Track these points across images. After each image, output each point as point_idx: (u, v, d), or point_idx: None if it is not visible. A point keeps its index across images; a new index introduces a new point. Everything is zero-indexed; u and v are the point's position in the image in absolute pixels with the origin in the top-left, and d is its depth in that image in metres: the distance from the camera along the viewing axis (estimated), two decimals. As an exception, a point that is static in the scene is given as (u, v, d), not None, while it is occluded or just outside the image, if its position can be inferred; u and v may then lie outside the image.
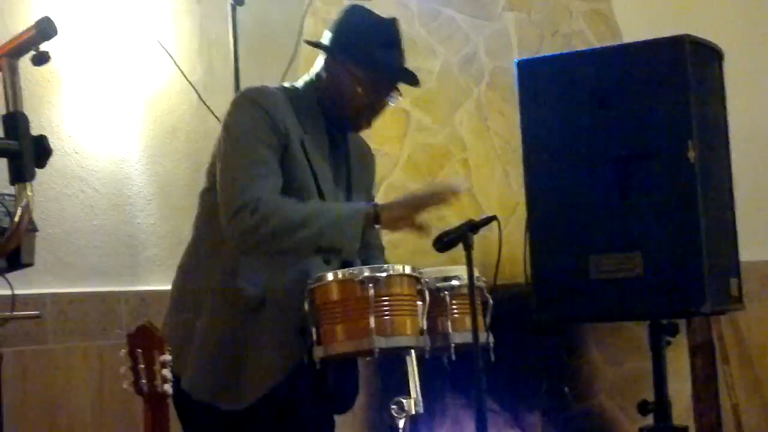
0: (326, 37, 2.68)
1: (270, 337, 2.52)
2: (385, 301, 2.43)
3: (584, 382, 4.28)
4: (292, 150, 2.55)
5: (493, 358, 2.62)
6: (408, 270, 2.49)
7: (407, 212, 2.54)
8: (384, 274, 2.43)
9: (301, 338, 2.50)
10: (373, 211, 2.52)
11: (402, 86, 2.70)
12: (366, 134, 4.07)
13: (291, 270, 2.55)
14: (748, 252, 3.70)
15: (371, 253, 2.77)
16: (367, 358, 2.47)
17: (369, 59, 2.60)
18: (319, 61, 2.69)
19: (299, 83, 2.71)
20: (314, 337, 2.46)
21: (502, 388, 3.94)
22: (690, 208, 3.30)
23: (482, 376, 2.49)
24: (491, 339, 2.66)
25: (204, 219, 2.65)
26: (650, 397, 3.40)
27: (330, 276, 2.46)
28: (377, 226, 2.55)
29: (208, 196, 2.63)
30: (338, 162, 2.70)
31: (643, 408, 3.39)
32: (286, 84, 2.73)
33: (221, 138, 2.60)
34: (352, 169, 2.74)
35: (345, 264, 2.59)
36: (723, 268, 3.42)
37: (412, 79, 2.69)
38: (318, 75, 2.67)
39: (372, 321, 2.39)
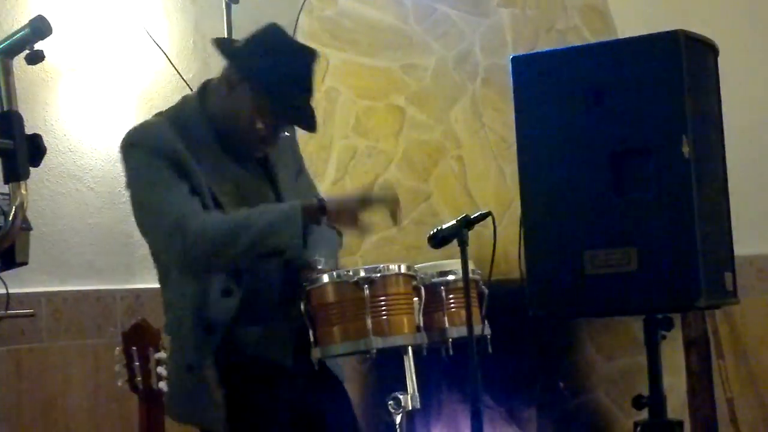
0: (239, 48, 2.53)
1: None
2: (381, 301, 2.44)
3: (579, 377, 4.29)
4: (191, 177, 2.45)
5: (490, 349, 2.63)
6: (403, 269, 2.50)
7: (353, 207, 2.47)
8: (379, 275, 2.43)
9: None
10: (316, 204, 2.44)
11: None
12: (362, 131, 4.10)
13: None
14: (743, 246, 3.71)
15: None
16: (366, 356, 2.46)
17: (274, 93, 2.45)
18: (224, 67, 2.54)
19: (187, 102, 2.58)
20: (311, 338, 2.47)
21: (498, 384, 3.95)
22: (684, 202, 3.30)
23: (477, 371, 2.50)
24: (488, 330, 2.67)
25: (155, 258, 2.60)
26: (645, 391, 3.41)
27: (325, 278, 2.46)
28: (323, 218, 2.45)
29: (154, 257, 2.59)
30: (250, 169, 2.59)
31: (638, 402, 3.40)
32: (171, 107, 2.59)
33: (127, 188, 2.52)
34: (276, 171, 2.64)
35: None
36: (718, 263, 3.43)
37: (310, 126, 2.55)
38: (219, 86, 2.53)
39: (369, 322, 2.40)
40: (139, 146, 2.47)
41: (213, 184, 2.49)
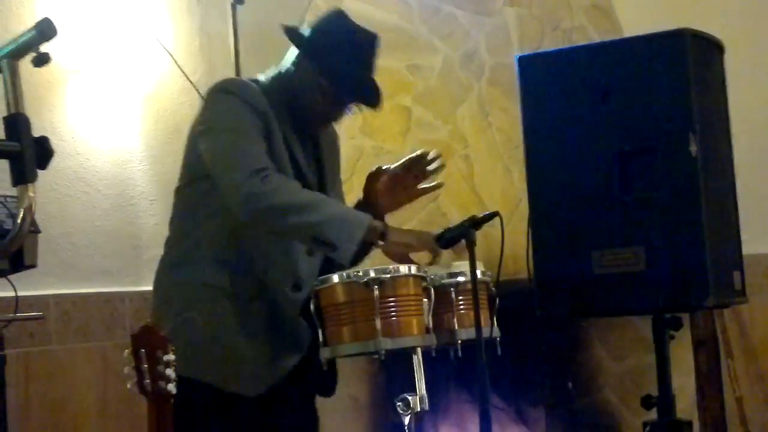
0: (304, 34, 2.65)
1: (267, 330, 2.54)
2: (391, 302, 2.44)
3: (588, 377, 4.29)
4: (273, 141, 2.54)
5: (499, 351, 2.63)
6: (413, 270, 2.50)
7: (413, 245, 2.54)
8: (389, 276, 2.43)
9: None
10: (381, 228, 2.51)
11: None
12: (369, 131, 4.09)
13: (280, 262, 2.55)
14: (751, 245, 3.70)
15: None
16: (375, 357, 2.46)
17: (336, 72, 2.58)
18: (291, 54, 2.67)
19: (265, 78, 2.67)
20: (320, 338, 2.47)
21: (506, 384, 3.95)
22: (692, 201, 3.29)
23: (486, 372, 2.49)
24: (497, 333, 2.67)
25: (185, 215, 2.64)
26: (654, 391, 3.40)
27: (335, 278, 2.46)
28: (381, 243, 2.53)
29: (186, 191, 2.64)
30: (307, 154, 2.68)
31: (647, 402, 3.39)
32: (251, 77, 2.70)
33: (202, 128, 2.56)
34: (325, 161, 2.74)
35: (328, 262, 2.59)
36: (726, 262, 3.42)
37: (373, 102, 2.65)
38: (287, 69, 2.65)
39: (378, 323, 2.40)
40: (235, 95, 2.55)
41: (296, 152, 2.59)
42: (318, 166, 2.72)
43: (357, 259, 2.57)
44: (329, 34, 2.62)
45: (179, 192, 2.68)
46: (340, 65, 2.58)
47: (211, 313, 2.54)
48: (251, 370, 2.53)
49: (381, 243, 2.53)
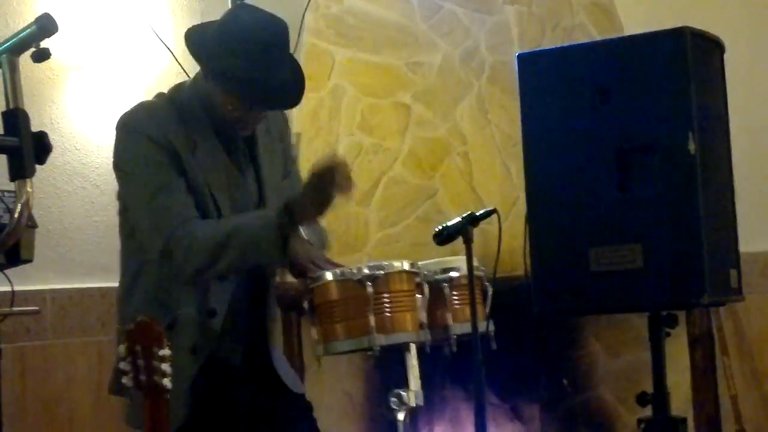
0: (203, 39, 2.52)
1: (176, 366, 2.41)
2: (385, 298, 2.45)
3: (583, 373, 4.29)
4: (183, 167, 2.46)
5: (494, 346, 2.64)
6: (406, 266, 2.51)
7: (319, 206, 2.43)
8: (382, 272, 2.44)
9: (191, 357, 2.46)
10: (286, 218, 2.40)
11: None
12: (367, 128, 4.10)
13: (192, 291, 2.49)
14: (748, 243, 3.70)
15: None
16: (368, 353, 2.48)
17: (232, 81, 2.42)
18: None
19: (185, 86, 2.59)
20: (314, 335, 2.48)
21: (502, 381, 3.96)
22: (690, 200, 3.30)
23: (481, 368, 2.50)
24: (492, 327, 2.68)
25: (123, 240, 2.60)
26: (649, 388, 3.40)
27: (329, 275, 2.47)
28: (301, 224, 2.44)
29: (123, 218, 2.59)
30: (241, 156, 2.58)
31: (642, 399, 3.39)
32: (171, 89, 2.60)
33: (116, 171, 2.53)
34: (261, 162, 2.61)
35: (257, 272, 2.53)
36: (723, 260, 3.42)
37: (283, 105, 2.55)
38: (198, 78, 2.55)
39: (372, 319, 2.41)
40: (139, 132, 2.47)
41: (209, 176, 2.49)
42: (254, 162, 2.61)
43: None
44: (221, 40, 2.45)
45: (120, 215, 2.61)
46: (235, 72, 2.41)
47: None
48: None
49: (302, 224, 2.44)
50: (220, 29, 2.50)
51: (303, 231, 2.50)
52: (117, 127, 2.53)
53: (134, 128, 2.49)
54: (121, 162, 2.52)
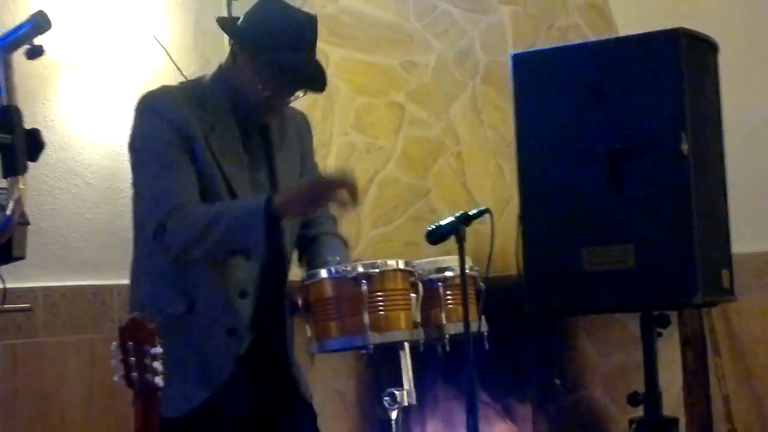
0: (238, 24, 2.60)
1: (198, 347, 2.49)
2: (379, 296, 2.45)
3: (575, 373, 4.30)
4: (196, 150, 2.50)
5: (487, 346, 2.64)
6: (401, 265, 2.51)
7: (304, 207, 2.50)
8: (377, 270, 2.44)
9: (231, 339, 2.49)
10: (276, 207, 2.42)
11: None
12: (361, 128, 4.10)
13: (215, 272, 2.52)
14: (741, 244, 3.71)
15: (322, 228, 2.74)
16: (362, 352, 2.48)
17: (271, 60, 2.50)
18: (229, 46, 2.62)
19: (208, 75, 2.64)
20: (308, 333, 2.48)
21: (494, 380, 3.96)
22: (683, 200, 3.31)
23: (473, 367, 2.50)
24: (485, 327, 2.68)
25: (135, 230, 2.64)
26: (641, 388, 3.41)
27: (323, 273, 2.47)
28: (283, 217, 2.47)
29: (134, 204, 2.64)
30: (255, 149, 2.62)
31: (634, 399, 3.40)
32: (193, 78, 2.66)
33: (129, 148, 2.58)
34: (275, 152, 2.65)
35: (275, 255, 2.55)
36: (715, 260, 3.43)
37: (313, 86, 2.60)
38: (226, 63, 2.61)
39: (366, 317, 2.41)
40: (151, 111, 2.53)
41: (224, 160, 2.53)
42: (268, 157, 2.64)
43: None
44: (262, 22, 2.53)
45: (133, 202, 2.66)
46: (275, 53, 2.50)
47: None
48: (178, 390, 2.42)
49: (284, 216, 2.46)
50: (257, 12, 2.58)
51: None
52: (135, 107, 2.59)
53: (150, 108, 2.54)
54: (134, 140, 2.57)
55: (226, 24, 2.62)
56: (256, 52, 2.52)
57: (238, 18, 2.62)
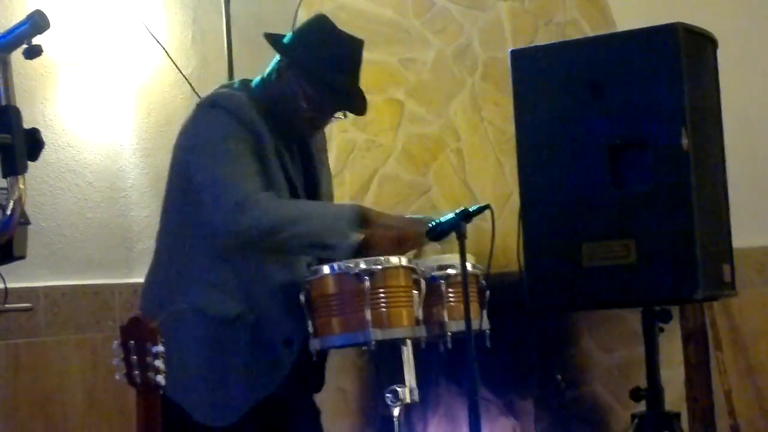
0: (287, 40, 2.62)
1: (251, 353, 2.50)
2: (381, 293, 2.45)
3: (577, 369, 4.30)
4: (264, 152, 2.51)
5: (488, 344, 2.64)
6: (404, 261, 2.50)
7: (400, 228, 2.51)
8: (379, 267, 2.44)
9: (287, 350, 2.51)
10: (368, 213, 2.48)
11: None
12: (360, 124, 4.10)
13: (271, 278, 2.52)
14: (742, 238, 3.71)
15: None
16: (364, 348, 2.48)
17: (319, 78, 2.54)
18: (274, 61, 2.63)
19: (255, 85, 2.64)
20: (310, 329, 2.48)
21: (496, 376, 3.96)
22: (683, 195, 3.30)
23: (475, 364, 2.50)
24: (487, 325, 2.68)
25: (172, 235, 2.60)
26: (643, 383, 3.41)
27: (326, 269, 2.47)
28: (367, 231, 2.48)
29: (174, 210, 2.60)
30: (296, 161, 2.65)
31: (636, 395, 3.40)
32: (244, 86, 2.65)
33: (189, 146, 2.53)
34: (315, 164, 2.70)
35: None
36: (716, 255, 3.43)
37: (358, 108, 2.63)
38: (270, 74, 2.62)
39: (368, 313, 2.41)
40: (223, 108, 2.52)
41: (280, 168, 2.55)
42: (308, 171, 2.69)
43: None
44: (311, 41, 2.58)
45: (167, 210, 2.63)
46: (323, 73, 2.54)
47: (192, 336, 2.50)
48: (222, 398, 2.48)
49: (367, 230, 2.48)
50: (308, 30, 2.61)
51: None
52: (200, 104, 2.59)
53: (223, 106, 2.52)
54: (201, 135, 2.52)
55: (274, 40, 2.62)
56: (305, 70, 2.55)
57: (283, 35, 2.63)
